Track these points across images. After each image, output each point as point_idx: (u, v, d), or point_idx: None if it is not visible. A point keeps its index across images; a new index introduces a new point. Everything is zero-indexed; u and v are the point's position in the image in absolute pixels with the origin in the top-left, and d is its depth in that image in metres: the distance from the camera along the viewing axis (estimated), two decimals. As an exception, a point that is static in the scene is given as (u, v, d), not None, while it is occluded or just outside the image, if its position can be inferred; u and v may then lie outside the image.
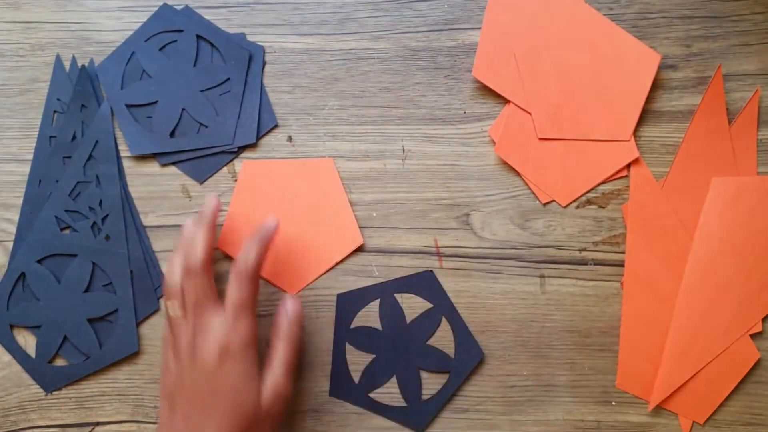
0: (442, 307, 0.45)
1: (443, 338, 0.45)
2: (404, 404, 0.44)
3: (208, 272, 0.39)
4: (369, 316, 0.45)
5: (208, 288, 0.39)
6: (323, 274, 0.46)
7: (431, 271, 0.45)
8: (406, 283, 0.45)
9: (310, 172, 0.46)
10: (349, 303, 0.45)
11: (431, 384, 0.44)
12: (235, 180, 0.47)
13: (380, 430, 0.44)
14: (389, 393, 0.45)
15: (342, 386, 0.45)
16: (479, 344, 0.45)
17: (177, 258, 0.40)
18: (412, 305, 0.45)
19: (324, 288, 0.46)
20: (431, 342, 0.45)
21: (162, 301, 0.42)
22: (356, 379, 0.45)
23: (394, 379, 0.45)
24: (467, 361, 0.44)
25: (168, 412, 0.38)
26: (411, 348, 0.45)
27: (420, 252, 0.46)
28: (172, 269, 0.40)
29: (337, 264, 0.46)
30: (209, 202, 0.42)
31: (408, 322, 0.45)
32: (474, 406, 0.44)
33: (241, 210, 0.46)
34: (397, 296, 0.45)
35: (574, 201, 0.46)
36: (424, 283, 0.45)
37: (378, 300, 0.45)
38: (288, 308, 0.41)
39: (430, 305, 0.45)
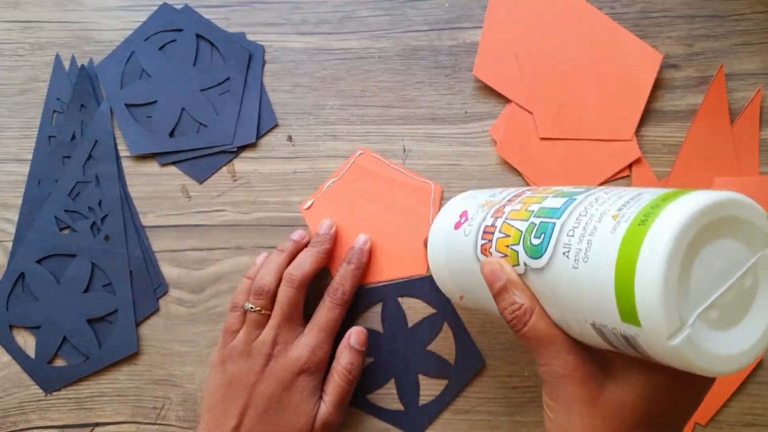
0: (445, 312, 0.45)
1: (444, 344, 0.45)
2: (401, 408, 0.44)
3: (305, 289, 0.41)
4: (371, 317, 0.45)
5: (300, 304, 0.41)
6: (377, 282, 0.45)
7: None
8: (410, 286, 0.45)
9: (411, 191, 0.46)
10: (352, 303, 0.45)
11: (430, 389, 0.44)
12: (235, 180, 0.47)
13: None
14: (387, 396, 0.44)
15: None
16: (480, 350, 0.44)
17: (278, 261, 0.41)
18: (415, 309, 0.45)
19: (324, 288, 0.45)
20: (432, 347, 0.45)
21: (235, 297, 0.42)
22: (356, 380, 0.45)
23: (392, 383, 0.44)
24: (467, 368, 0.44)
25: (222, 404, 0.38)
26: (411, 352, 0.44)
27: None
28: (269, 270, 0.41)
29: (393, 280, 0.45)
30: (327, 227, 0.44)
31: (409, 326, 0.45)
32: (475, 407, 0.44)
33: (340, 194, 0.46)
34: (400, 299, 0.45)
35: (576, 201, 0.46)
36: (428, 287, 0.45)
37: (380, 302, 0.45)
38: (352, 339, 0.42)
39: (432, 310, 0.45)
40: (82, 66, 0.48)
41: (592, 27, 0.46)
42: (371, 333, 0.45)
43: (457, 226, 0.33)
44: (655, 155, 0.46)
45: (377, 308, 0.45)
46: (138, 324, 0.45)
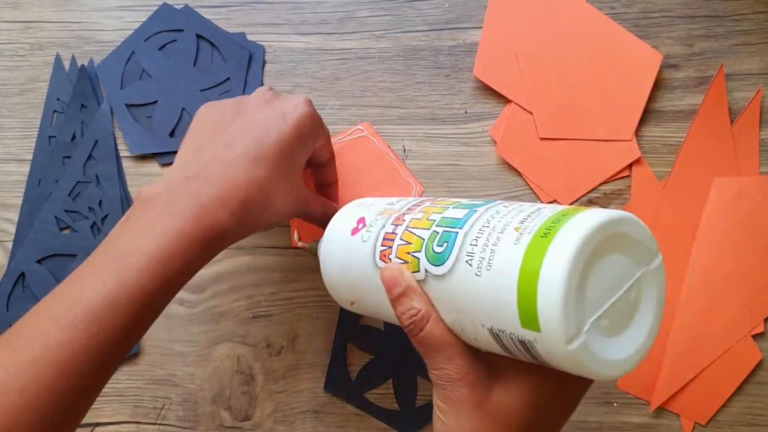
0: None
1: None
2: (397, 408, 0.44)
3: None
4: (370, 316, 0.45)
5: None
6: None
7: None
8: None
9: (395, 181, 0.46)
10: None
11: (427, 391, 0.44)
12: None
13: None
14: (384, 395, 0.44)
15: (338, 382, 0.44)
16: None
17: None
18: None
19: (324, 288, 0.45)
20: (432, 346, 0.45)
21: None
22: (353, 378, 0.44)
23: (390, 382, 0.44)
24: None
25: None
26: (411, 353, 0.44)
27: (421, 252, 0.46)
28: None
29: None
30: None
31: None
32: (475, 406, 0.44)
33: None
34: None
35: (576, 201, 0.46)
36: None
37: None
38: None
39: None
40: (83, 66, 0.48)
41: (592, 27, 0.46)
42: (372, 332, 0.45)
43: (354, 231, 0.33)
44: (655, 155, 0.46)
45: (377, 308, 0.45)
46: (138, 324, 0.45)
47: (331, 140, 0.42)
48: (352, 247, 0.33)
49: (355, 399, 0.44)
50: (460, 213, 0.28)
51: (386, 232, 0.31)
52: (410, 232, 0.29)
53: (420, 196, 0.45)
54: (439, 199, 0.32)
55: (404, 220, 0.30)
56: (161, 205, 0.32)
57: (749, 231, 0.44)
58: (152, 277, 0.30)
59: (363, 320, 0.45)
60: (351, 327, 0.45)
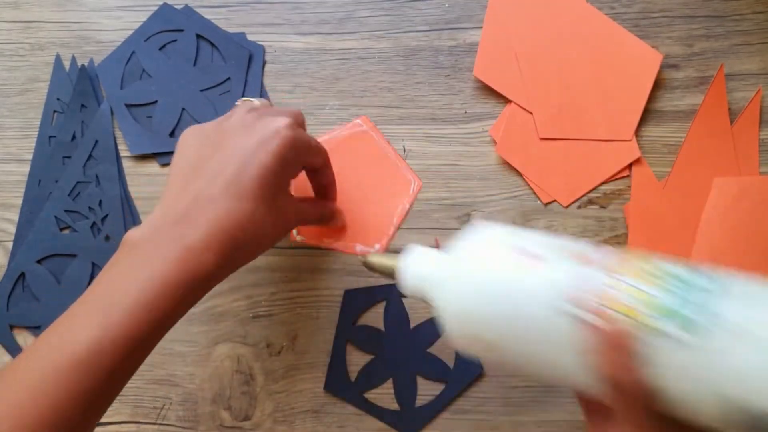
0: None
1: (445, 347, 0.45)
2: (397, 408, 0.44)
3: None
4: (373, 316, 0.45)
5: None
6: (400, 225, 0.45)
7: None
8: None
9: (395, 174, 0.46)
10: (355, 300, 0.45)
11: (427, 391, 0.44)
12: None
13: None
14: (384, 395, 0.44)
15: (337, 382, 0.44)
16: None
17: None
18: (418, 310, 0.45)
19: (324, 288, 0.46)
20: (432, 350, 0.45)
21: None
22: (353, 378, 0.45)
23: (390, 382, 0.44)
24: (465, 373, 0.44)
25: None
26: (411, 353, 0.44)
27: (421, 252, 0.46)
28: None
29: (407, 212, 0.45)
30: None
31: (412, 327, 0.45)
32: (475, 407, 0.44)
33: None
34: (403, 299, 0.45)
35: (576, 201, 0.46)
36: None
37: (384, 301, 0.45)
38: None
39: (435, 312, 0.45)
40: (83, 66, 0.48)
41: (592, 27, 0.46)
42: (372, 332, 0.45)
43: (523, 266, 0.29)
44: (655, 155, 0.46)
45: (380, 307, 0.45)
46: (138, 324, 0.45)
47: (329, 134, 0.42)
48: (514, 282, 0.29)
49: (355, 399, 0.44)
50: (700, 279, 0.26)
51: (591, 279, 0.27)
52: (634, 286, 0.26)
53: (418, 191, 0.45)
54: (647, 254, 0.28)
55: (619, 271, 0.27)
56: (146, 250, 0.32)
57: (749, 231, 0.44)
58: (138, 324, 0.30)
59: (363, 320, 0.45)
60: (351, 327, 0.45)
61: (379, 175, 0.46)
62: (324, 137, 0.46)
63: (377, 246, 0.45)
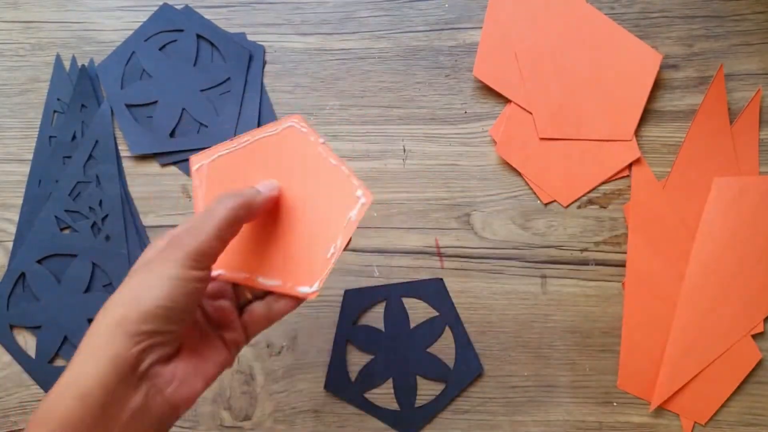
0: (447, 316, 0.45)
1: (444, 348, 0.45)
2: (397, 408, 0.44)
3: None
4: (373, 316, 0.45)
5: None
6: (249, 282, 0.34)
7: (441, 279, 0.45)
8: (415, 287, 0.45)
9: (278, 144, 0.35)
10: (355, 300, 0.45)
11: (427, 391, 0.44)
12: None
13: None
14: (384, 395, 0.44)
15: (338, 382, 0.44)
16: (480, 351, 0.44)
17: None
18: (418, 311, 0.45)
19: (324, 288, 0.45)
20: (432, 350, 0.45)
21: None
22: (353, 378, 0.45)
23: (390, 382, 0.44)
24: (465, 373, 0.44)
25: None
26: (411, 353, 0.44)
27: (421, 252, 0.46)
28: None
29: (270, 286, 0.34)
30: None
31: (411, 327, 0.45)
32: (475, 406, 0.44)
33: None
34: (404, 299, 0.45)
35: (576, 201, 0.46)
36: (432, 289, 0.45)
37: (384, 301, 0.45)
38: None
39: (435, 313, 0.45)
40: (83, 66, 0.48)
41: (591, 27, 0.46)
42: (372, 332, 0.45)
43: None
44: (655, 155, 0.46)
45: (380, 307, 0.45)
46: (138, 324, 0.45)
47: (258, 133, 0.34)
48: None
49: (355, 399, 0.44)
50: None
51: None
52: None
53: (369, 203, 0.34)
54: None
55: None
56: None
57: (749, 231, 0.44)
58: None
59: (363, 320, 0.45)
60: (351, 327, 0.45)
61: (320, 184, 0.35)
62: (244, 138, 0.35)
63: (316, 284, 0.34)
